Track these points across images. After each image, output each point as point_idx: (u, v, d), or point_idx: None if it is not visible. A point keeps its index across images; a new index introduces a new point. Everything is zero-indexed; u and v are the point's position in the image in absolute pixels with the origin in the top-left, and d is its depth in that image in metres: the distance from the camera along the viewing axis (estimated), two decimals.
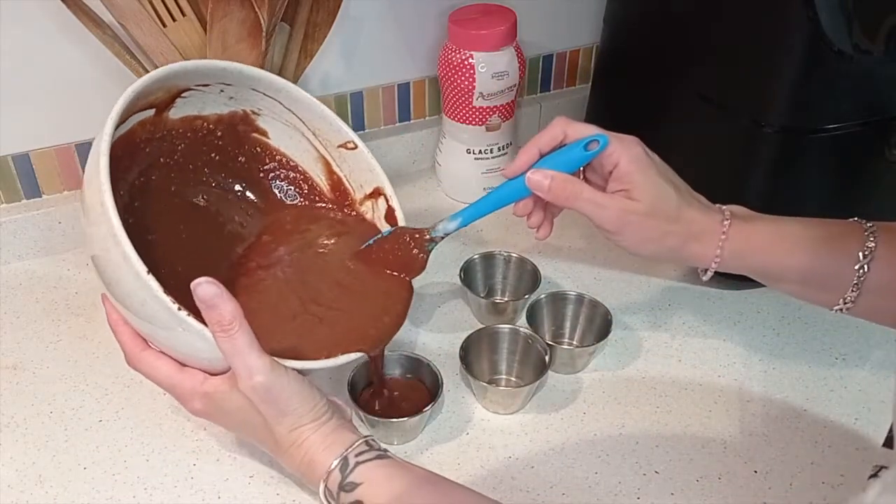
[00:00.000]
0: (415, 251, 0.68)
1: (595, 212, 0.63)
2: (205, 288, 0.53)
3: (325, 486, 0.55)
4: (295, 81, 0.84)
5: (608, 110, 1.01)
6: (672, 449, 0.71)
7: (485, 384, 0.73)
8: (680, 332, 0.83)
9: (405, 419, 0.68)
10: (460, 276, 0.82)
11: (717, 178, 0.84)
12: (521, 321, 0.80)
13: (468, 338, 0.75)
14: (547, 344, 0.74)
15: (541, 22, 1.03)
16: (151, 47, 0.75)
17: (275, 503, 0.66)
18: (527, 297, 0.81)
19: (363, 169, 0.72)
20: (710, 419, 0.73)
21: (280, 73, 0.81)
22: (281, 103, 0.70)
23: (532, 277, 0.83)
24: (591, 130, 0.64)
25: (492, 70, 0.90)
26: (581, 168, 0.67)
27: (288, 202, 0.74)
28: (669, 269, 0.90)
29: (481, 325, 0.80)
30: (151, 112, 0.65)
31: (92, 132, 0.88)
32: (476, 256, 0.84)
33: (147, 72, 0.78)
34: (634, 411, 0.74)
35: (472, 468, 0.69)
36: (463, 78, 0.91)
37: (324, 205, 0.74)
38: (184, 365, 0.59)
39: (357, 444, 0.56)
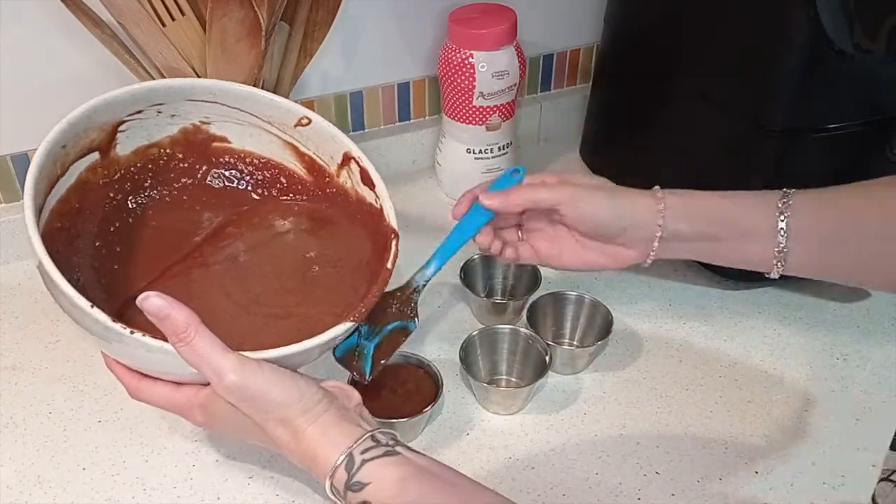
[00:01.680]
0: (403, 308, 0.67)
1: (541, 193, 0.67)
2: (152, 301, 0.52)
3: (332, 482, 0.53)
4: (294, 81, 0.84)
5: (608, 110, 1.01)
6: (673, 449, 0.71)
7: (485, 385, 0.73)
8: (680, 333, 0.82)
9: (405, 419, 0.68)
10: (460, 277, 0.82)
11: (717, 178, 0.84)
12: (521, 321, 0.80)
13: (468, 338, 0.75)
14: (547, 344, 0.74)
15: (541, 21, 1.03)
16: (150, 47, 0.75)
17: (274, 503, 0.66)
18: (527, 297, 0.81)
19: (326, 140, 0.69)
20: (711, 420, 0.73)
21: (280, 73, 0.81)
22: (223, 104, 0.67)
23: (532, 277, 0.83)
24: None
25: (492, 69, 0.90)
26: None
27: (270, 199, 0.73)
28: (670, 270, 0.90)
29: (481, 326, 0.80)
30: (96, 155, 0.63)
31: None
32: (476, 257, 0.84)
33: (146, 71, 0.78)
34: (635, 412, 0.74)
35: (473, 469, 0.69)
36: (463, 77, 0.91)
37: (305, 197, 0.73)
38: (180, 384, 0.58)
39: (363, 439, 0.53)
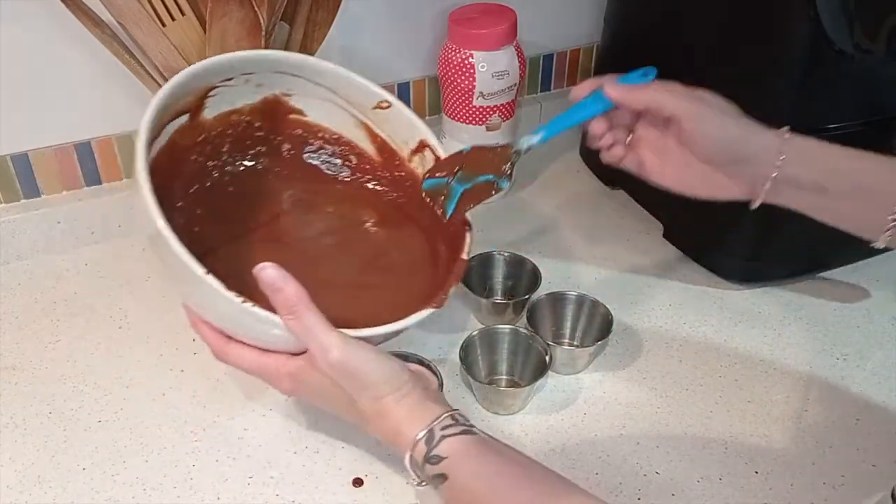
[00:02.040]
0: (501, 163, 0.68)
1: (668, 98, 0.65)
2: (268, 272, 0.55)
3: (411, 455, 0.56)
4: None
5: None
6: (673, 450, 0.71)
7: (485, 385, 0.72)
8: (680, 333, 0.82)
9: None
10: None
11: None
12: (521, 321, 0.80)
13: (468, 338, 0.75)
14: (547, 344, 0.74)
15: (541, 21, 1.03)
16: (150, 46, 0.75)
17: (274, 503, 0.66)
18: (527, 297, 0.81)
19: (403, 125, 0.71)
20: (711, 420, 0.73)
21: None
22: (307, 79, 0.69)
23: (532, 277, 0.83)
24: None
25: (492, 69, 0.90)
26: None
27: (340, 178, 0.74)
28: (670, 269, 0.90)
29: (481, 326, 0.80)
30: (186, 118, 0.65)
31: (91, 132, 0.88)
32: (476, 257, 0.84)
33: (146, 71, 0.78)
34: (635, 412, 0.74)
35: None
36: (463, 77, 0.91)
37: (372, 177, 0.74)
38: (266, 350, 0.60)
39: (443, 416, 0.56)
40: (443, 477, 0.54)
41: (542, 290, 0.81)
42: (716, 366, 0.79)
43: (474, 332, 0.75)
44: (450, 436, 0.55)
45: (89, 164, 0.90)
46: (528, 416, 0.73)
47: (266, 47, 0.74)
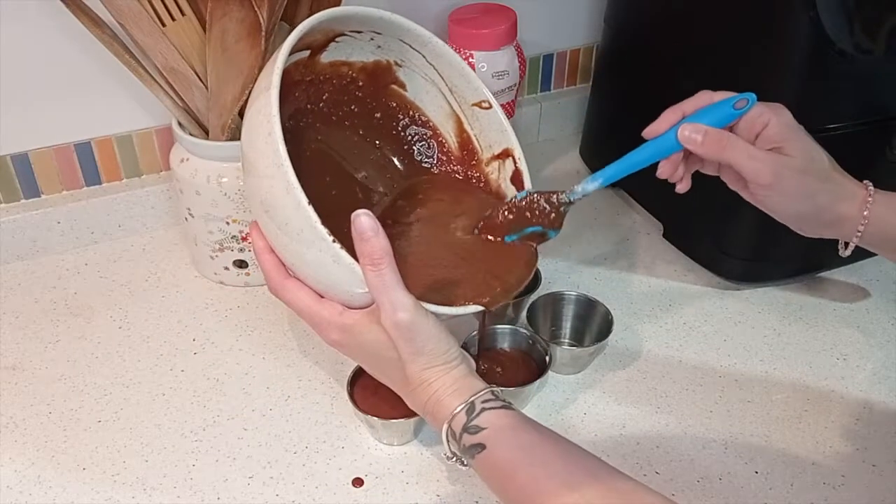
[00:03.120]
0: (551, 214, 0.67)
1: (749, 164, 0.61)
2: (363, 220, 0.54)
3: (449, 426, 0.57)
4: None
5: (609, 110, 1.01)
6: (673, 450, 0.71)
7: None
8: (680, 333, 0.82)
9: (405, 419, 0.68)
10: None
11: (717, 178, 0.84)
12: (521, 321, 0.80)
13: (468, 338, 0.75)
14: (547, 344, 0.74)
15: (541, 21, 1.03)
16: (150, 47, 0.75)
17: (274, 503, 0.66)
18: (527, 297, 0.81)
19: (495, 129, 0.73)
20: (711, 420, 0.73)
21: None
22: (425, 57, 0.70)
23: (532, 277, 0.83)
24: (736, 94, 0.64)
25: (492, 69, 0.90)
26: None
27: (422, 165, 0.75)
28: (670, 270, 0.90)
29: None
30: (307, 54, 0.67)
31: (91, 132, 0.88)
32: None
33: (146, 71, 0.78)
34: (635, 412, 0.74)
35: (473, 470, 0.69)
36: None
37: (444, 169, 0.75)
38: (322, 297, 0.60)
39: (484, 391, 0.57)
40: (480, 447, 0.55)
41: (542, 290, 0.81)
42: (716, 366, 0.79)
43: (474, 333, 0.75)
44: (490, 409, 0.56)
45: (89, 164, 0.90)
46: (528, 415, 0.73)
47: (266, 48, 0.74)
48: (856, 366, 0.79)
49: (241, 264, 0.85)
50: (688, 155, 0.65)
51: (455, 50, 0.90)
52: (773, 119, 0.62)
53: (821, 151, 0.64)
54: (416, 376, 0.58)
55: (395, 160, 0.75)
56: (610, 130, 1.01)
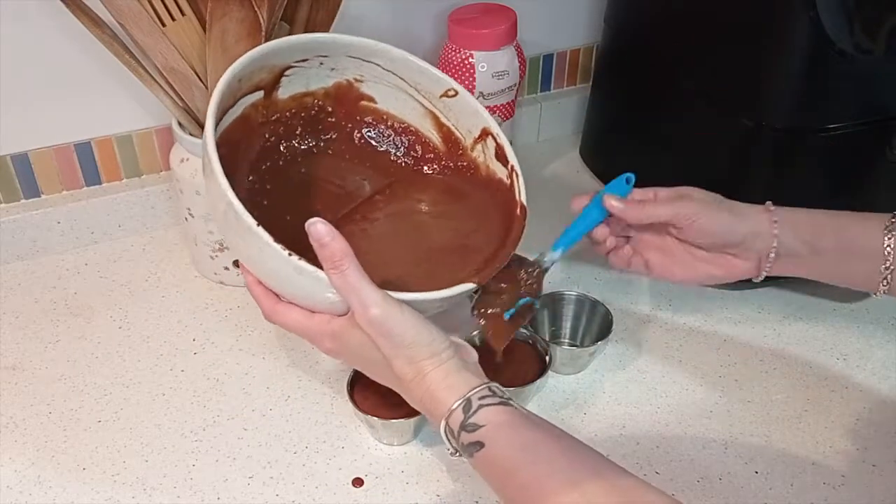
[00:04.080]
0: (532, 284, 0.70)
1: (664, 209, 0.69)
2: (317, 227, 0.56)
3: (447, 423, 0.56)
4: None
5: (609, 110, 1.01)
6: (672, 449, 0.71)
7: None
8: (680, 332, 0.82)
9: (405, 419, 0.68)
10: None
11: (717, 178, 0.84)
12: None
13: (468, 339, 0.75)
14: (547, 344, 0.74)
15: (541, 21, 1.03)
16: (150, 47, 0.75)
17: (274, 503, 0.66)
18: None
19: (468, 113, 0.73)
20: (711, 420, 0.73)
21: None
22: (380, 66, 0.71)
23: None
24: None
25: (492, 69, 0.90)
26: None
27: (406, 165, 0.76)
28: None
29: None
30: (261, 94, 0.67)
31: (91, 132, 0.88)
32: None
33: (146, 71, 0.78)
34: (635, 412, 0.74)
35: (473, 468, 0.69)
36: (463, 77, 0.90)
37: (436, 166, 0.76)
38: (312, 313, 0.62)
39: (480, 387, 0.57)
40: (479, 445, 0.54)
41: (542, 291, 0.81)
42: (716, 366, 0.79)
43: (474, 333, 0.75)
44: (487, 405, 0.56)
45: (89, 164, 0.90)
46: None
47: None
48: (856, 366, 0.79)
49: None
50: (612, 225, 0.72)
51: (455, 50, 0.90)
52: (657, 190, 0.71)
53: (707, 191, 0.71)
54: (404, 371, 0.58)
55: (382, 171, 0.75)
56: (610, 130, 1.01)
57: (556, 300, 0.80)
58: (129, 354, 0.79)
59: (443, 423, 0.57)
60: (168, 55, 0.76)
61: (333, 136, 0.74)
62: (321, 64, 0.69)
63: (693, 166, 0.86)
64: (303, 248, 0.57)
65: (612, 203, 0.69)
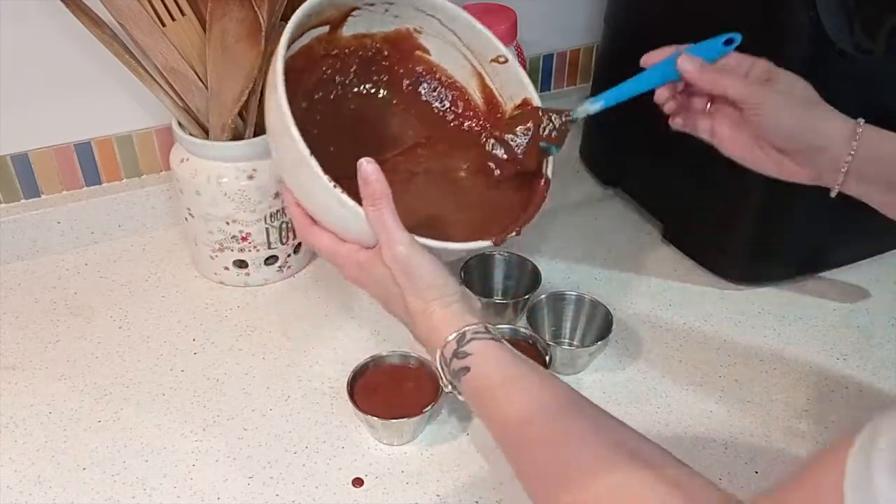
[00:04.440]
0: (553, 132, 0.71)
1: (738, 85, 0.65)
2: (367, 167, 0.60)
3: (441, 352, 0.61)
4: None
5: (609, 109, 1.01)
6: (672, 449, 0.70)
7: None
8: (680, 332, 0.82)
9: (405, 419, 0.68)
10: (460, 276, 0.82)
11: (717, 178, 0.84)
12: (521, 321, 0.80)
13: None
14: (547, 344, 0.74)
15: (541, 21, 1.03)
16: (150, 46, 0.75)
17: (274, 503, 0.66)
18: (527, 297, 0.81)
19: (513, 81, 0.75)
20: (711, 420, 0.73)
21: None
22: (440, 21, 0.73)
23: (532, 277, 0.83)
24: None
25: None
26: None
27: (451, 123, 0.78)
28: (670, 270, 0.90)
29: None
30: (326, 29, 0.70)
31: (91, 132, 0.88)
32: (476, 256, 0.84)
33: (146, 71, 0.78)
34: (635, 411, 0.74)
35: (473, 468, 0.69)
36: None
37: (473, 125, 0.78)
38: (343, 240, 0.65)
39: (477, 324, 0.61)
40: (466, 369, 0.59)
41: (542, 290, 0.81)
42: (716, 366, 0.79)
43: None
44: (479, 339, 0.60)
45: (89, 164, 0.90)
46: None
47: (266, 48, 0.74)
48: (856, 366, 0.79)
49: (241, 264, 0.85)
50: (682, 90, 0.69)
51: None
52: (759, 61, 0.67)
53: (810, 87, 0.67)
54: (416, 308, 0.62)
55: (423, 120, 0.78)
56: (609, 131, 1.01)
57: (556, 300, 0.80)
58: (129, 354, 0.79)
59: (438, 353, 0.61)
60: (168, 55, 0.76)
61: (384, 79, 0.77)
62: (386, 10, 0.72)
63: (693, 166, 0.86)
64: (340, 178, 0.61)
65: (686, 67, 0.66)
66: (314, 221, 0.66)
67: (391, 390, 0.72)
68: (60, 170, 0.89)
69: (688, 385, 0.77)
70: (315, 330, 0.82)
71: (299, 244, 0.87)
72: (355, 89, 0.75)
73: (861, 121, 0.65)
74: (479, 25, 0.74)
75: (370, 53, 0.75)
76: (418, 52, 0.76)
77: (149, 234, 0.94)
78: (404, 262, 0.61)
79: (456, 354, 0.60)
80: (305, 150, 0.60)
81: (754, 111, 0.65)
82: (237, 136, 0.81)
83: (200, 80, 0.78)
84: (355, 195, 0.61)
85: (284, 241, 0.85)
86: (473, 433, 0.72)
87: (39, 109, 0.85)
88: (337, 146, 0.70)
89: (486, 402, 0.58)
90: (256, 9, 0.71)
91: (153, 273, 0.89)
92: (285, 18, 0.78)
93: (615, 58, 0.97)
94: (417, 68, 0.77)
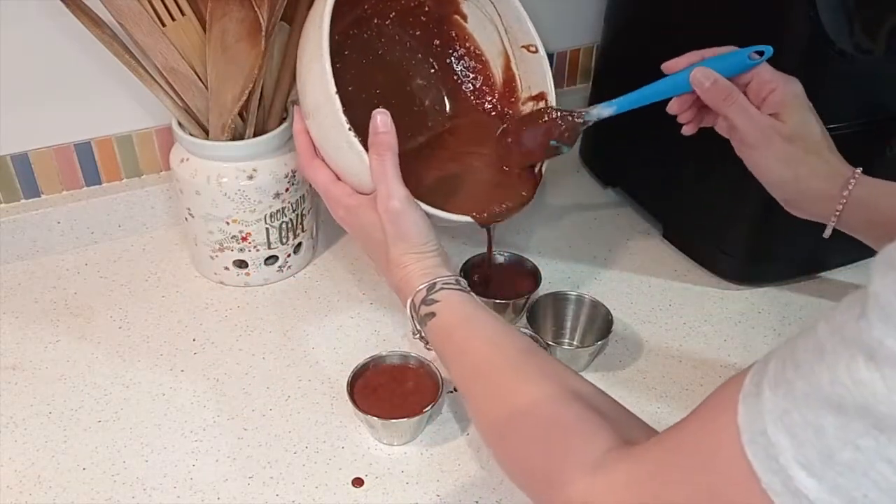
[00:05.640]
0: (566, 132, 0.73)
1: (743, 120, 0.66)
2: (382, 118, 0.63)
3: (412, 300, 0.63)
4: (293, 81, 0.84)
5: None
6: None
7: None
8: (680, 333, 0.82)
9: (405, 419, 0.68)
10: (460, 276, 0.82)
11: (717, 178, 0.84)
12: (521, 321, 0.80)
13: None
14: (547, 344, 0.74)
15: (541, 21, 1.03)
16: (150, 47, 0.75)
17: (274, 503, 0.66)
18: (527, 297, 0.81)
19: (537, 73, 0.78)
20: None
21: (279, 73, 0.81)
22: None
23: (532, 277, 0.83)
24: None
25: None
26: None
27: (465, 92, 0.81)
28: (670, 269, 0.90)
29: None
30: None
31: (91, 132, 0.88)
32: (476, 256, 0.84)
33: (146, 71, 0.78)
34: (634, 411, 0.74)
35: (473, 469, 0.69)
36: None
37: (486, 102, 0.80)
38: (339, 179, 0.68)
39: (449, 276, 0.64)
40: (431, 315, 0.62)
41: (542, 290, 0.81)
42: (716, 366, 0.79)
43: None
44: (448, 289, 0.63)
45: (89, 164, 0.90)
46: None
47: (266, 48, 0.74)
48: None
49: (241, 264, 0.85)
50: (697, 101, 0.69)
51: None
52: (781, 87, 0.66)
53: (817, 127, 0.67)
54: (396, 258, 0.65)
55: (443, 83, 0.80)
56: (610, 131, 1.01)
57: (556, 300, 0.80)
58: (129, 354, 0.79)
59: (409, 301, 0.63)
60: (168, 55, 0.76)
61: (417, 34, 0.79)
62: None
63: (693, 167, 0.86)
64: (353, 110, 0.63)
65: (699, 79, 0.66)
66: (316, 154, 0.68)
67: (391, 390, 0.72)
68: (60, 170, 0.89)
69: (688, 385, 0.77)
70: (315, 330, 0.82)
71: (299, 244, 0.87)
72: (388, 34, 0.77)
73: (859, 170, 0.66)
74: (522, 10, 0.76)
75: (412, 4, 0.77)
76: (456, 17, 0.78)
77: (149, 234, 0.94)
78: (396, 215, 0.63)
79: (424, 301, 0.62)
80: (332, 87, 0.62)
81: (750, 151, 0.67)
82: (237, 136, 0.81)
83: (200, 80, 0.78)
84: (364, 143, 0.63)
85: (284, 241, 0.85)
86: (473, 433, 0.72)
87: (39, 109, 0.85)
88: (355, 86, 0.72)
89: (447, 344, 0.61)
90: (256, 9, 0.71)
91: (153, 273, 0.89)
92: (285, 18, 0.79)
93: (615, 58, 0.97)
94: (451, 31, 0.79)
